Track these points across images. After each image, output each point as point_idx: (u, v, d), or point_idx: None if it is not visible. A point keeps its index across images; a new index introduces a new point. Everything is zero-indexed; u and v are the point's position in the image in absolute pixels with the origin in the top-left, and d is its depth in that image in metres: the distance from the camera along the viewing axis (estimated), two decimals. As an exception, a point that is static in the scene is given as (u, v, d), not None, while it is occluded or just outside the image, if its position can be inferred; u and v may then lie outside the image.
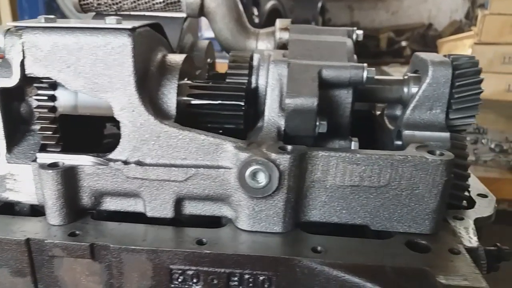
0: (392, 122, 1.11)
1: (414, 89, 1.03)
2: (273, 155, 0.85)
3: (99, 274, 0.89)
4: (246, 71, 1.04)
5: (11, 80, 0.87)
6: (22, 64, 0.86)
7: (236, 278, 0.86)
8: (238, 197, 0.89)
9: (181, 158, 0.89)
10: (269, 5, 6.46)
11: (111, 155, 0.90)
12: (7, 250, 0.87)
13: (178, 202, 0.92)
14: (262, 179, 0.86)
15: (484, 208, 1.02)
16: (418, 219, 0.89)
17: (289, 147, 0.88)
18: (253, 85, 1.05)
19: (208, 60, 1.25)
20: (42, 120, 0.91)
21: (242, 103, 0.96)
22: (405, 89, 1.06)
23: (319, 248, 0.85)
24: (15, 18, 4.63)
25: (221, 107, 0.97)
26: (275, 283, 0.85)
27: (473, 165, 4.31)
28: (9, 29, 0.86)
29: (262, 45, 1.19)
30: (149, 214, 0.93)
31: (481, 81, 1.00)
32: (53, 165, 0.89)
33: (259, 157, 0.85)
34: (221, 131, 0.96)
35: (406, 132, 0.99)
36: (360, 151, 0.89)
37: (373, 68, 0.95)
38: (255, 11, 6.07)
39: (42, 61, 0.86)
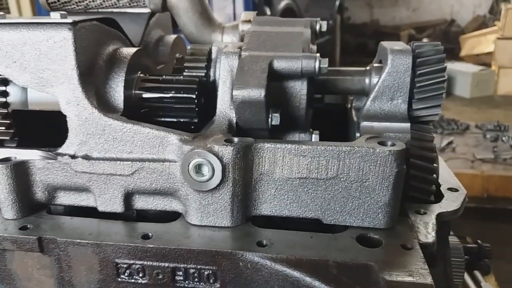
0: (357, 114, 1.08)
1: (376, 80, 0.99)
2: (216, 147, 0.83)
3: (50, 268, 0.89)
4: (203, 64, 1.03)
5: (-38, 76, 0.88)
6: (-29, 60, 0.88)
7: (181, 273, 0.84)
8: (185, 191, 0.88)
9: (127, 151, 0.89)
10: (282, 4, 6.41)
11: (60, 150, 0.90)
12: (-40, 243, 0.89)
13: (128, 197, 0.92)
14: (206, 172, 0.84)
15: (451, 202, 0.97)
16: (370, 213, 0.86)
17: (235, 139, 0.86)
18: (212, 78, 1.04)
19: (177, 55, 1.25)
20: (-5, 115, 0.93)
21: (194, 96, 0.95)
22: (367, 80, 1.02)
23: (264, 242, 0.83)
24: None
25: (174, 100, 0.96)
26: (220, 277, 0.83)
27: (492, 163, 4.17)
28: (-43, 26, 0.88)
29: (227, 38, 1.18)
30: (100, 208, 0.93)
31: (444, 69, 0.96)
32: (4, 160, 0.91)
33: (201, 150, 0.83)
34: (193, 127, 0.95)
35: (364, 124, 0.96)
36: (306, 142, 0.86)
37: (326, 58, 0.92)
38: (268, 11, 6.04)
39: (-11, 57, 0.87)
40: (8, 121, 0.93)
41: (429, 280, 0.73)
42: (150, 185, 0.89)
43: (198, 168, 0.84)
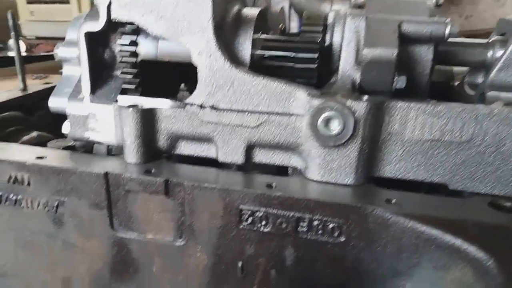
0: (473, 89, 1.05)
1: (499, 53, 0.97)
2: (349, 101, 0.83)
3: (171, 211, 0.91)
4: (320, 28, 1.02)
5: (98, 24, 0.92)
6: (108, 8, 0.91)
7: (305, 224, 0.84)
8: (309, 146, 0.88)
9: (253, 104, 0.90)
10: None
11: (188, 100, 0.93)
12: (87, 182, 0.92)
13: (249, 149, 0.93)
14: (335, 126, 0.84)
15: None
16: (503, 180, 0.83)
17: (366, 96, 0.86)
18: (327, 43, 1.03)
19: (280, 25, 1.26)
20: (123, 64, 0.96)
21: (316, 56, 0.95)
22: (490, 53, 1.00)
23: (393, 200, 0.82)
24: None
25: (295, 60, 0.96)
26: (345, 231, 0.83)
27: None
28: (96, -25, 0.91)
29: (336, 8, 1.18)
30: (221, 159, 0.94)
31: None
32: (133, 106, 0.94)
33: (334, 103, 0.83)
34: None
35: (491, 93, 0.93)
36: (442, 103, 0.85)
37: (457, 24, 0.90)
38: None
39: (126, 5, 0.90)
40: (135, 71, 0.96)
41: None
42: (273, 138, 0.90)
43: (327, 122, 0.84)
